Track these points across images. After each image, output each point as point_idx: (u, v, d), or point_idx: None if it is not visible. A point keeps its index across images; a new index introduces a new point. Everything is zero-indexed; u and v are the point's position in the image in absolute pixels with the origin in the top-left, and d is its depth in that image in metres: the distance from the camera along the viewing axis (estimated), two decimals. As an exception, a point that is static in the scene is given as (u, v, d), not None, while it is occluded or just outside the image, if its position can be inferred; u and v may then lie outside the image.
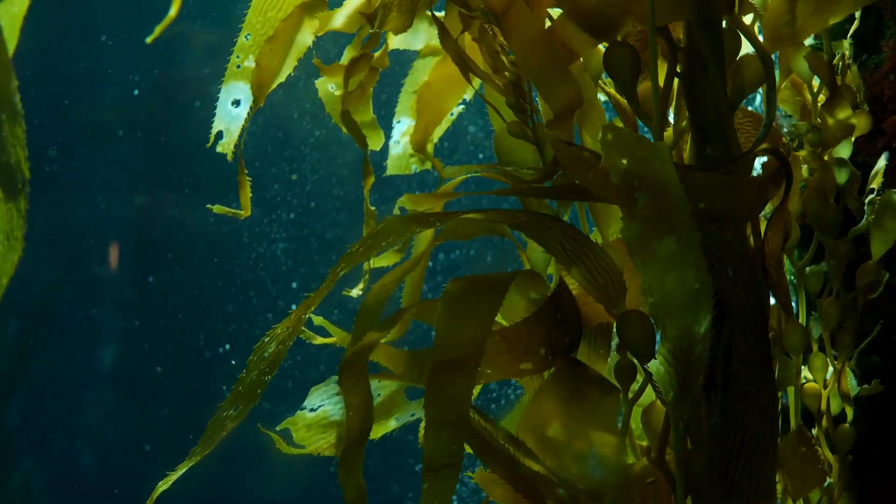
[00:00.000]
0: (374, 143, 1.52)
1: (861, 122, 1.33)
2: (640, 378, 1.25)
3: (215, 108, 1.40)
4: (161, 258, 4.87)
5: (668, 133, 1.21)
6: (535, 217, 1.20)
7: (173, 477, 1.21)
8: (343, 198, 4.88)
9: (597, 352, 1.44)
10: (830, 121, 1.29)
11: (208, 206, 1.46)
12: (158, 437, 4.76)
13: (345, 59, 1.40)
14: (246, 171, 1.42)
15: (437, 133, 1.53)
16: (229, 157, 1.39)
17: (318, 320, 1.45)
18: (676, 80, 1.16)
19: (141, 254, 4.89)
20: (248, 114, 1.39)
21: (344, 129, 1.46)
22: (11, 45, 1.78)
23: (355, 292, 1.50)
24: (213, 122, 1.40)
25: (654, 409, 1.23)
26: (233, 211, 1.44)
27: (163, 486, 1.21)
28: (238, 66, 1.39)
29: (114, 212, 4.80)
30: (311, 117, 4.64)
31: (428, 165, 1.55)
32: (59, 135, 4.88)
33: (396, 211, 1.43)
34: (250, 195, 1.44)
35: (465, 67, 1.30)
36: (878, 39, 1.48)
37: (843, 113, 1.29)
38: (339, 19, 1.38)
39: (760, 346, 1.14)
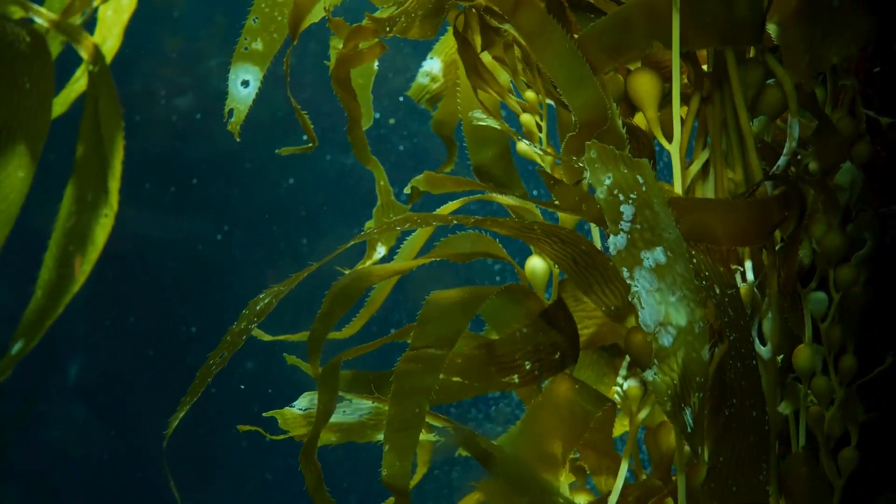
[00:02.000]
0: (365, 121, 1.55)
1: (861, 150, 1.36)
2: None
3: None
4: (127, 272, 4.83)
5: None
6: (551, 229, 1.22)
7: (173, 425, 1.28)
8: (308, 213, 4.87)
9: (603, 372, 1.46)
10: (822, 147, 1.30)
11: (277, 150, 1.49)
12: (126, 452, 4.72)
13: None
14: (300, 107, 1.44)
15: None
16: (236, 137, 1.42)
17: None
18: (696, 106, 1.18)
19: (106, 267, 4.85)
20: (288, 51, 1.42)
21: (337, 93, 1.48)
22: (111, 54, 1.78)
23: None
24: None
25: (663, 427, 1.25)
26: (301, 148, 1.47)
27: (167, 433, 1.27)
28: (245, 49, 1.44)
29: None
30: (276, 129, 4.64)
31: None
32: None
33: (407, 190, 1.47)
34: (312, 126, 1.46)
35: (478, 83, 1.32)
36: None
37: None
38: None
39: (750, 362, 1.16)
